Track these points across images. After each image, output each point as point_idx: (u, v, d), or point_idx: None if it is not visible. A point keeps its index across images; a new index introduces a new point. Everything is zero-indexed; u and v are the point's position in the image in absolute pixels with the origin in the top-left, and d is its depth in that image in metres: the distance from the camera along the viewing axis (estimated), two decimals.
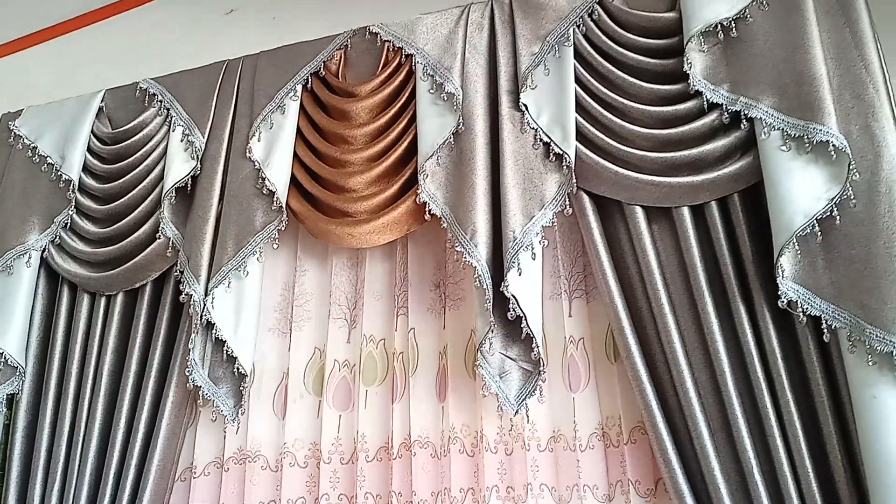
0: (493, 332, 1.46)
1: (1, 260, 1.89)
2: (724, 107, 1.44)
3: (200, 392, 1.66)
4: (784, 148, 1.35)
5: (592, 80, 1.56)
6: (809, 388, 1.33)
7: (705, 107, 1.46)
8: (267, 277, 1.77)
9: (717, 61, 1.48)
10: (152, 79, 1.99)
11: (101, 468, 1.74)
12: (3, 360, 1.82)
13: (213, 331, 1.65)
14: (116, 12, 2.44)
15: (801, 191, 1.32)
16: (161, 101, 1.93)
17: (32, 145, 2.01)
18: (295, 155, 1.76)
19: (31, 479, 1.78)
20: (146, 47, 2.33)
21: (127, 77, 2.11)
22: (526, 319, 1.43)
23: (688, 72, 1.47)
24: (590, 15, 1.61)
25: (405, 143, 1.68)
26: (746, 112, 1.41)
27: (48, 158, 1.96)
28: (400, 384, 1.65)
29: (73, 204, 1.90)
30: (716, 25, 1.47)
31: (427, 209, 1.59)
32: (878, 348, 1.22)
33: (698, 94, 1.47)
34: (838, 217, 1.29)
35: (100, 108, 2.00)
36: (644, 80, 1.53)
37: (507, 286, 1.44)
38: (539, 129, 1.55)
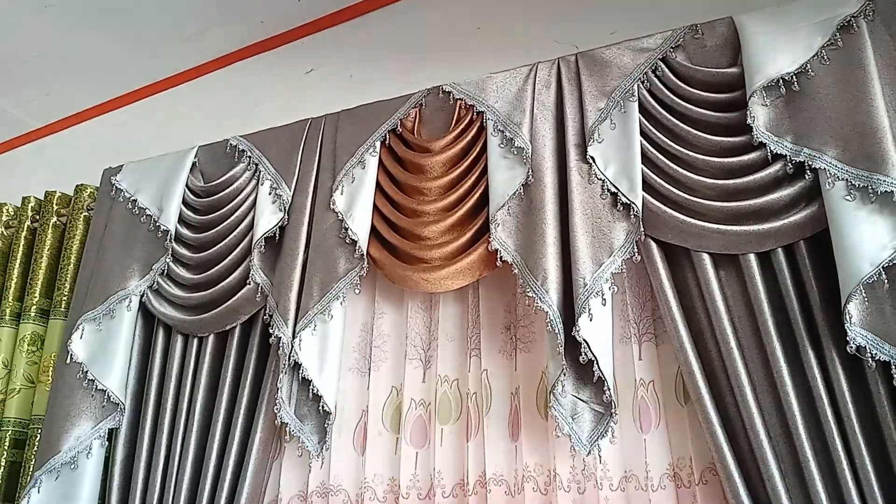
0: (564, 374, 1.53)
1: (104, 304, 2.05)
2: (788, 158, 1.50)
3: (287, 428, 1.77)
4: (849, 198, 1.40)
5: (657, 133, 1.64)
6: (881, 431, 1.35)
7: (769, 158, 1.52)
8: (347, 320, 1.88)
9: (779, 114, 1.54)
10: (241, 136, 2.15)
11: (193, 500, 1.86)
12: (106, 397, 1.97)
13: (300, 371, 1.76)
14: (204, 73, 2.65)
15: (868, 239, 1.36)
16: (250, 157, 2.09)
17: (132, 198, 2.18)
18: (374, 206, 1.88)
19: None
20: (232, 105, 2.52)
21: (215, 133, 2.29)
22: (597, 363, 1.50)
23: (751, 125, 1.53)
24: (653, 71, 1.69)
25: (477, 195, 1.78)
26: (810, 163, 1.46)
27: (147, 210, 2.14)
28: (474, 423, 1.73)
29: (170, 252, 2.06)
30: (778, 80, 1.53)
31: (498, 256, 1.68)
32: None
33: (762, 145, 1.52)
34: None
35: (193, 163, 2.17)
36: (708, 132, 1.60)
37: (578, 331, 1.51)
38: (606, 181, 1.63)
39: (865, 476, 1.33)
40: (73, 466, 1.93)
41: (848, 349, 1.34)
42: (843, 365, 1.39)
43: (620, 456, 1.60)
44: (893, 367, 1.31)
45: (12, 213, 2.54)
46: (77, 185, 2.42)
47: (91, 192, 2.40)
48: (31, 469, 2.07)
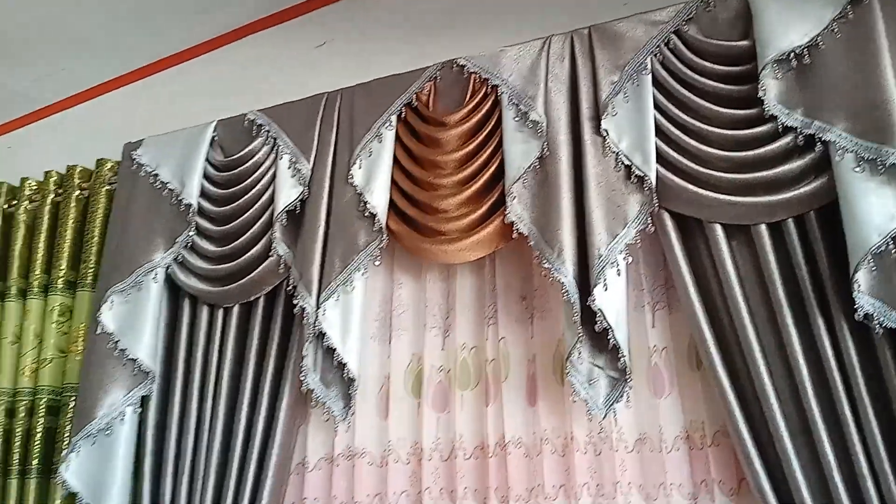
0: (581, 342, 1.59)
1: (132, 276, 2.11)
2: (799, 130, 1.53)
3: (313, 395, 1.85)
4: (858, 169, 1.44)
5: (670, 106, 1.67)
6: (888, 395, 1.40)
7: (780, 130, 1.55)
8: (367, 290, 1.94)
9: (790, 87, 1.57)
10: (258, 110, 2.18)
11: (224, 462, 1.94)
12: (136, 366, 2.05)
13: (324, 340, 1.83)
14: (216, 47, 2.66)
15: (876, 210, 1.40)
16: (268, 132, 2.12)
17: (154, 172, 2.23)
18: (392, 179, 1.92)
19: (163, 471, 1.99)
20: (245, 79, 2.54)
21: (229, 107, 2.32)
22: (612, 331, 1.56)
23: (762, 97, 1.56)
24: (666, 44, 1.71)
25: (492, 168, 1.82)
26: (820, 135, 1.50)
27: (168, 185, 2.18)
28: (493, 389, 1.80)
29: (193, 226, 2.11)
30: (789, 54, 1.56)
31: (515, 229, 1.73)
32: None
33: (773, 118, 1.55)
34: None
35: (212, 138, 2.21)
36: (720, 105, 1.63)
37: (593, 300, 1.57)
38: (620, 153, 1.67)
39: (871, 437, 1.39)
40: (108, 432, 2.01)
41: (856, 316, 1.39)
42: (852, 331, 1.44)
43: (635, 419, 1.67)
44: None
45: (35, 188, 2.59)
46: (97, 160, 2.46)
47: (111, 165, 2.44)
48: (66, 434, 2.16)
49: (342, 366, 1.82)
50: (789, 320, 1.49)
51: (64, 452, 2.05)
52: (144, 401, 2.07)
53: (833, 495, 1.39)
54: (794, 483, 1.42)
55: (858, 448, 1.39)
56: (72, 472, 2.00)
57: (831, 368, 1.44)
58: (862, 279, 1.39)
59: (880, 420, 1.39)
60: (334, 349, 1.82)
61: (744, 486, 1.53)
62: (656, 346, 1.68)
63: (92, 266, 2.33)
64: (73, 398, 2.18)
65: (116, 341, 2.06)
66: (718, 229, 1.59)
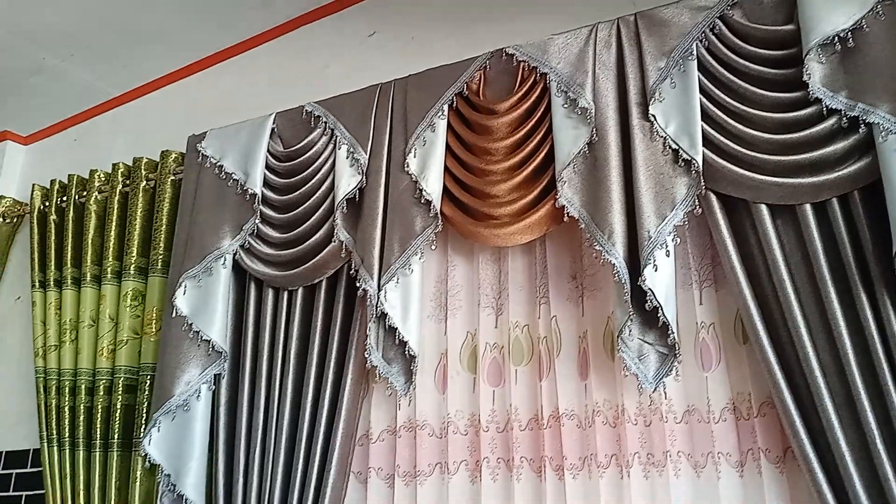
0: (631, 320, 1.68)
1: (202, 263, 2.25)
2: (843, 112, 1.58)
3: (376, 371, 1.97)
4: None
5: (716, 91, 1.73)
6: None
7: (825, 112, 1.60)
8: (424, 272, 2.04)
9: (835, 70, 1.61)
10: (315, 102, 2.29)
11: (294, 435, 2.07)
12: (210, 346, 2.20)
13: (386, 320, 1.95)
14: (269, 39, 2.77)
15: None
16: (325, 122, 2.23)
17: (218, 164, 2.36)
18: (445, 167, 2.01)
19: (237, 444, 2.14)
20: (298, 70, 2.65)
21: (283, 98, 2.43)
22: (662, 309, 1.64)
23: (807, 81, 1.61)
24: (711, 30, 1.76)
25: (542, 154, 1.89)
26: (864, 117, 1.54)
27: (233, 175, 2.31)
28: (545, 364, 1.90)
29: (258, 214, 2.24)
30: (833, 37, 1.60)
31: (565, 212, 1.81)
32: None
33: (818, 100, 1.60)
34: None
35: (272, 130, 2.32)
36: (765, 88, 1.68)
37: (644, 281, 1.65)
38: (668, 138, 1.73)
39: None
40: (185, 408, 2.17)
41: None
42: (894, 305, 1.50)
43: (684, 392, 1.75)
44: None
45: (104, 179, 2.75)
46: (162, 151, 2.60)
47: (175, 157, 2.58)
48: (144, 411, 2.32)
49: (403, 344, 1.94)
50: (833, 295, 1.55)
51: (145, 427, 2.22)
52: (217, 379, 2.21)
53: (876, 462, 1.46)
54: (838, 450, 1.49)
55: None
56: (153, 445, 2.15)
57: (874, 340, 1.50)
58: None
59: None
60: (395, 328, 1.94)
61: (789, 455, 1.61)
62: (703, 323, 1.76)
63: (161, 253, 2.47)
64: (149, 377, 2.34)
65: (190, 323, 2.20)
66: (764, 209, 1.65)
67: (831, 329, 1.56)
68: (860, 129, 1.56)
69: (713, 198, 1.70)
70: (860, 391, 1.50)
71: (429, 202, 1.98)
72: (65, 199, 2.80)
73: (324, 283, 2.15)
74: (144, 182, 2.61)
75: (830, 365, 1.56)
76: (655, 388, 1.68)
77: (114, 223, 2.64)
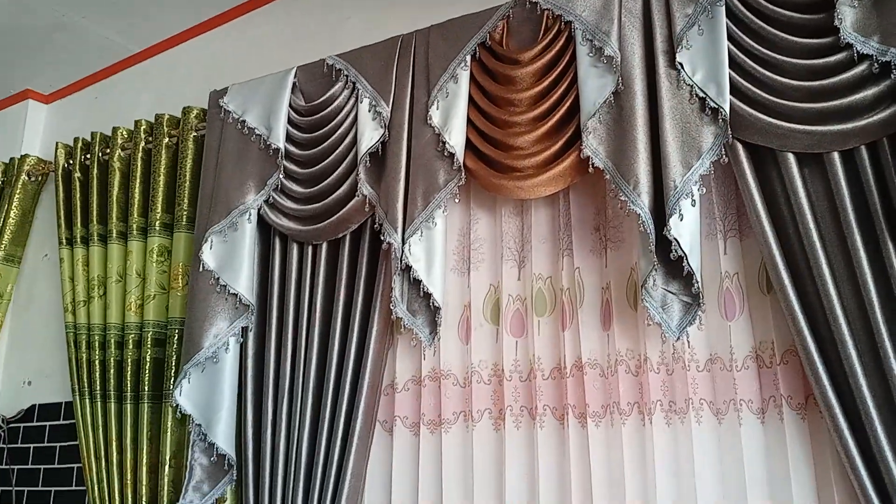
0: (655, 270, 1.68)
1: (228, 218, 2.27)
2: (875, 58, 1.55)
3: (401, 322, 2.00)
4: None
5: (744, 37, 1.70)
6: None
7: (855, 58, 1.57)
8: (447, 225, 2.05)
9: (867, 14, 1.58)
10: (336, 55, 2.28)
11: (321, 385, 2.12)
12: (237, 299, 2.24)
13: (411, 272, 1.97)
14: None
15: None
16: (347, 76, 2.22)
17: (241, 119, 2.36)
18: (468, 118, 2.01)
19: (264, 394, 2.19)
20: (320, 22, 2.63)
21: (306, 51, 2.43)
22: (686, 259, 1.64)
23: (838, 26, 1.58)
24: None
25: (567, 104, 1.88)
26: None
27: (256, 130, 2.31)
28: (568, 315, 1.91)
29: (282, 169, 2.25)
30: None
31: (590, 163, 1.80)
32: None
33: (848, 46, 1.58)
34: None
35: (294, 84, 2.32)
36: (794, 34, 1.66)
37: (669, 230, 1.65)
38: (695, 86, 1.72)
39: None
40: (214, 360, 2.21)
41: None
42: None
43: (706, 341, 1.77)
44: None
45: (127, 136, 2.76)
46: (184, 108, 2.61)
47: (197, 113, 2.59)
48: (173, 363, 2.38)
49: (428, 296, 1.96)
50: (859, 244, 1.55)
51: (175, 379, 2.28)
52: (244, 332, 2.26)
53: None
54: (861, 396, 1.50)
55: None
56: (184, 396, 2.21)
57: None
58: None
59: None
60: (420, 281, 1.96)
61: (810, 401, 1.63)
62: (727, 272, 1.77)
63: (186, 209, 2.50)
64: (177, 330, 2.39)
65: (217, 277, 2.24)
66: (791, 158, 1.64)
67: (857, 277, 1.56)
68: (892, 75, 1.53)
69: (739, 147, 1.69)
70: (884, 339, 1.51)
71: (452, 155, 1.98)
72: (88, 156, 2.83)
73: (348, 238, 2.17)
74: (167, 139, 2.63)
75: (855, 313, 1.56)
76: (679, 337, 1.70)
77: (138, 180, 2.66)
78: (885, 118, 1.55)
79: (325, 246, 2.21)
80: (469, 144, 2.01)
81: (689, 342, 1.74)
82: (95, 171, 2.78)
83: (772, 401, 1.68)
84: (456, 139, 1.98)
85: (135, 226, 2.63)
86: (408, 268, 1.97)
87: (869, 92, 1.56)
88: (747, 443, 1.67)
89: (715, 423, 1.72)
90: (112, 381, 2.52)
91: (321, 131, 2.23)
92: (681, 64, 1.73)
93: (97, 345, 2.60)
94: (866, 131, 1.57)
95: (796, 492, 1.61)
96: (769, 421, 1.67)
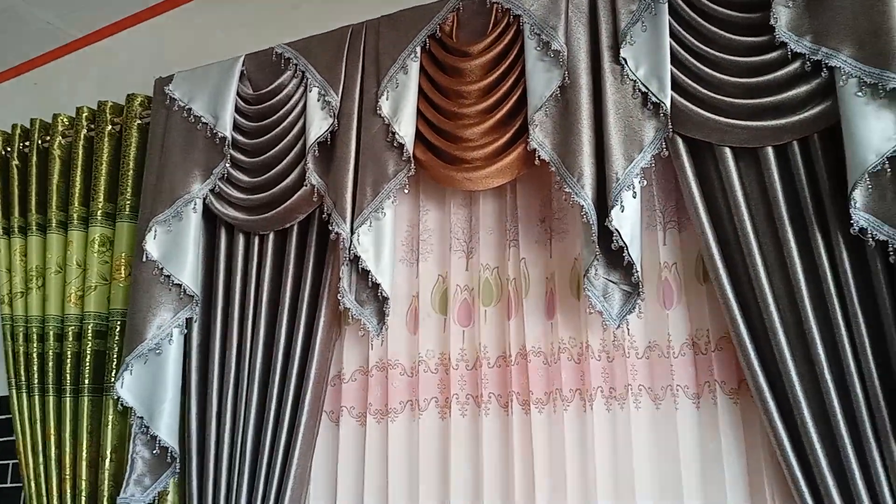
0: (597, 260, 1.73)
1: (172, 207, 2.23)
2: (807, 56, 1.61)
3: (349, 313, 2.00)
4: (860, 94, 1.53)
5: (686, 34, 1.75)
6: (877, 302, 1.54)
7: (789, 56, 1.64)
8: (396, 216, 2.06)
9: (800, 14, 1.65)
10: (285, 44, 2.26)
11: (266, 376, 2.11)
12: (181, 290, 2.20)
13: (359, 263, 1.96)
14: None
15: (874, 132, 1.50)
16: (296, 65, 2.21)
17: (187, 107, 2.32)
18: (418, 110, 2.02)
19: (209, 386, 2.16)
20: (270, 10, 2.60)
21: (254, 39, 2.40)
22: (627, 249, 1.69)
23: (774, 25, 1.64)
24: None
25: (515, 97, 1.91)
26: (827, 61, 1.58)
27: (202, 118, 2.28)
28: (514, 304, 1.95)
29: (228, 158, 2.22)
30: None
31: (536, 156, 1.83)
32: None
33: (783, 44, 1.64)
34: None
35: (242, 72, 2.29)
36: (733, 32, 1.71)
37: (611, 221, 1.69)
38: (638, 81, 1.76)
39: (860, 340, 1.53)
40: (157, 352, 2.17)
41: (851, 231, 1.52)
42: (847, 246, 1.56)
43: (645, 329, 1.82)
44: (890, 245, 1.49)
45: (67, 124, 2.68)
46: (128, 95, 2.55)
47: (141, 100, 2.53)
48: (115, 356, 2.33)
49: (376, 286, 1.97)
50: (790, 235, 1.62)
51: (117, 371, 2.23)
52: (189, 323, 2.23)
53: (824, 392, 1.55)
54: (789, 381, 1.57)
55: (848, 350, 1.54)
56: (126, 388, 2.16)
57: (827, 279, 1.57)
58: (858, 196, 1.51)
59: (868, 325, 1.53)
60: (368, 271, 1.96)
61: (743, 386, 1.69)
62: (666, 262, 1.82)
63: (129, 198, 2.44)
64: (119, 322, 2.34)
65: (161, 268, 2.20)
66: (728, 152, 1.70)
67: (787, 267, 1.62)
68: (822, 73, 1.60)
69: (680, 141, 1.74)
70: (812, 326, 1.57)
71: (401, 146, 1.98)
72: (27, 143, 2.73)
73: (295, 228, 2.16)
74: (110, 126, 2.56)
75: (785, 301, 1.63)
76: (619, 325, 1.74)
77: (79, 168, 2.59)
78: (815, 114, 1.62)
79: (272, 236, 2.19)
80: (419, 135, 2.02)
81: (628, 330, 1.79)
82: (35, 158, 2.69)
83: (707, 386, 1.74)
84: (405, 130, 1.99)
85: (75, 215, 2.55)
86: (356, 258, 1.97)
87: (801, 89, 1.63)
88: (683, 427, 1.73)
89: (653, 409, 1.77)
90: (51, 374, 2.45)
91: (269, 120, 2.21)
92: (624, 59, 1.78)
93: (35, 337, 2.52)
94: (798, 127, 1.64)
95: (728, 473, 1.67)
96: (704, 406, 1.73)
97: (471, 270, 2.04)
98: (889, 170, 1.50)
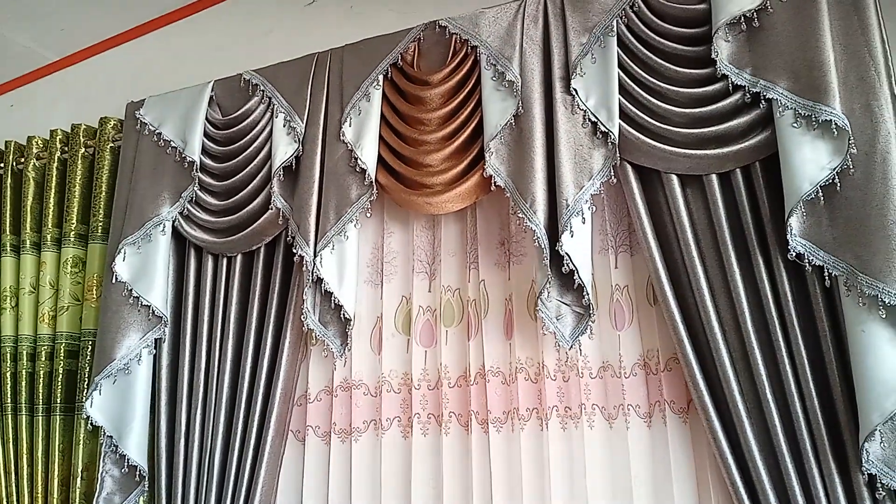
0: (550, 283, 1.78)
1: (142, 230, 2.27)
2: (747, 88, 1.69)
3: (313, 334, 2.05)
4: (796, 125, 1.60)
5: (634, 66, 1.82)
6: (815, 324, 1.61)
7: (731, 88, 1.71)
8: (360, 239, 2.11)
9: (741, 48, 1.72)
10: (253, 70, 2.31)
11: (234, 396, 2.15)
12: (150, 311, 2.24)
13: (322, 285, 2.01)
14: (209, 5, 2.77)
15: (809, 161, 1.57)
16: (263, 91, 2.26)
17: (157, 131, 2.37)
18: (380, 136, 2.07)
19: (178, 405, 2.20)
20: (239, 37, 2.66)
21: (224, 64, 2.45)
22: (577, 272, 1.75)
23: (715, 58, 1.72)
24: (631, 7, 1.85)
25: (472, 125, 1.97)
26: (765, 93, 1.66)
27: (172, 142, 2.33)
28: (474, 325, 2.00)
29: (197, 181, 2.27)
30: (740, 17, 1.70)
31: (492, 182, 1.89)
32: (867, 292, 1.49)
33: (725, 77, 1.71)
34: (839, 184, 1.55)
35: (211, 97, 2.34)
36: (679, 64, 1.78)
37: (561, 245, 1.75)
38: (588, 111, 1.83)
39: (800, 360, 1.60)
40: (126, 372, 2.21)
41: (789, 256, 1.59)
42: (787, 270, 1.63)
43: (598, 349, 1.88)
44: (826, 270, 1.56)
45: (42, 146, 2.72)
46: (101, 118, 2.59)
47: (114, 123, 2.57)
48: (86, 376, 2.36)
49: (339, 307, 2.02)
50: (734, 260, 1.68)
51: (87, 391, 2.26)
52: (158, 343, 2.26)
53: (766, 412, 1.61)
54: (733, 400, 1.63)
55: (789, 370, 1.60)
56: (96, 408, 2.20)
57: (768, 301, 1.64)
58: (795, 223, 1.58)
59: (807, 345, 1.60)
60: (331, 293, 2.01)
61: (692, 406, 1.75)
62: (618, 285, 1.88)
63: (101, 220, 2.48)
64: (91, 342, 2.37)
65: (130, 289, 2.24)
66: (675, 179, 1.77)
67: (731, 291, 1.69)
68: (761, 105, 1.67)
69: (629, 168, 1.81)
70: (754, 347, 1.64)
71: (364, 171, 2.04)
72: (1, 165, 2.77)
73: (262, 250, 2.21)
74: (83, 149, 2.61)
75: (730, 322, 1.69)
76: (572, 346, 1.79)
77: (53, 190, 2.63)
78: (756, 143, 1.69)
79: (239, 258, 2.23)
80: (381, 161, 2.07)
81: (581, 350, 1.85)
82: (10, 180, 2.72)
83: (657, 406, 1.79)
84: (368, 155, 2.04)
85: (49, 236, 2.60)
86: (319, 280, 2.02)
87: (742, 119, 1.70)
88: (634, 445, 1.78)
89: (606, 427, 1.83)
90: (24, 393, 2.48)
91: (237, 144, 2.26)
92: (575, 90, 1.84)
93: (8, 357, 2.54)
94: (740, 155, 1.70)
95: (678, 491, 1.73)
96: (654, 424, 1.79)
97: (433, 292, 2.10)
98: (823, 198, 1.57)
